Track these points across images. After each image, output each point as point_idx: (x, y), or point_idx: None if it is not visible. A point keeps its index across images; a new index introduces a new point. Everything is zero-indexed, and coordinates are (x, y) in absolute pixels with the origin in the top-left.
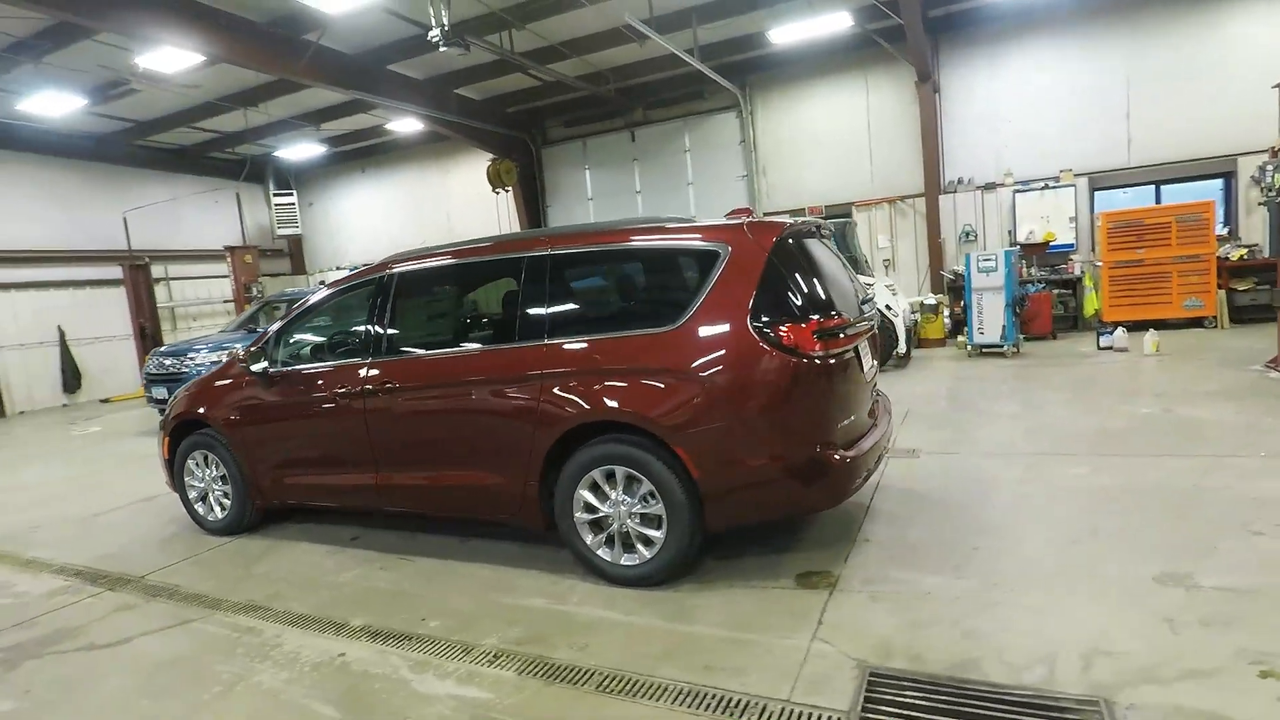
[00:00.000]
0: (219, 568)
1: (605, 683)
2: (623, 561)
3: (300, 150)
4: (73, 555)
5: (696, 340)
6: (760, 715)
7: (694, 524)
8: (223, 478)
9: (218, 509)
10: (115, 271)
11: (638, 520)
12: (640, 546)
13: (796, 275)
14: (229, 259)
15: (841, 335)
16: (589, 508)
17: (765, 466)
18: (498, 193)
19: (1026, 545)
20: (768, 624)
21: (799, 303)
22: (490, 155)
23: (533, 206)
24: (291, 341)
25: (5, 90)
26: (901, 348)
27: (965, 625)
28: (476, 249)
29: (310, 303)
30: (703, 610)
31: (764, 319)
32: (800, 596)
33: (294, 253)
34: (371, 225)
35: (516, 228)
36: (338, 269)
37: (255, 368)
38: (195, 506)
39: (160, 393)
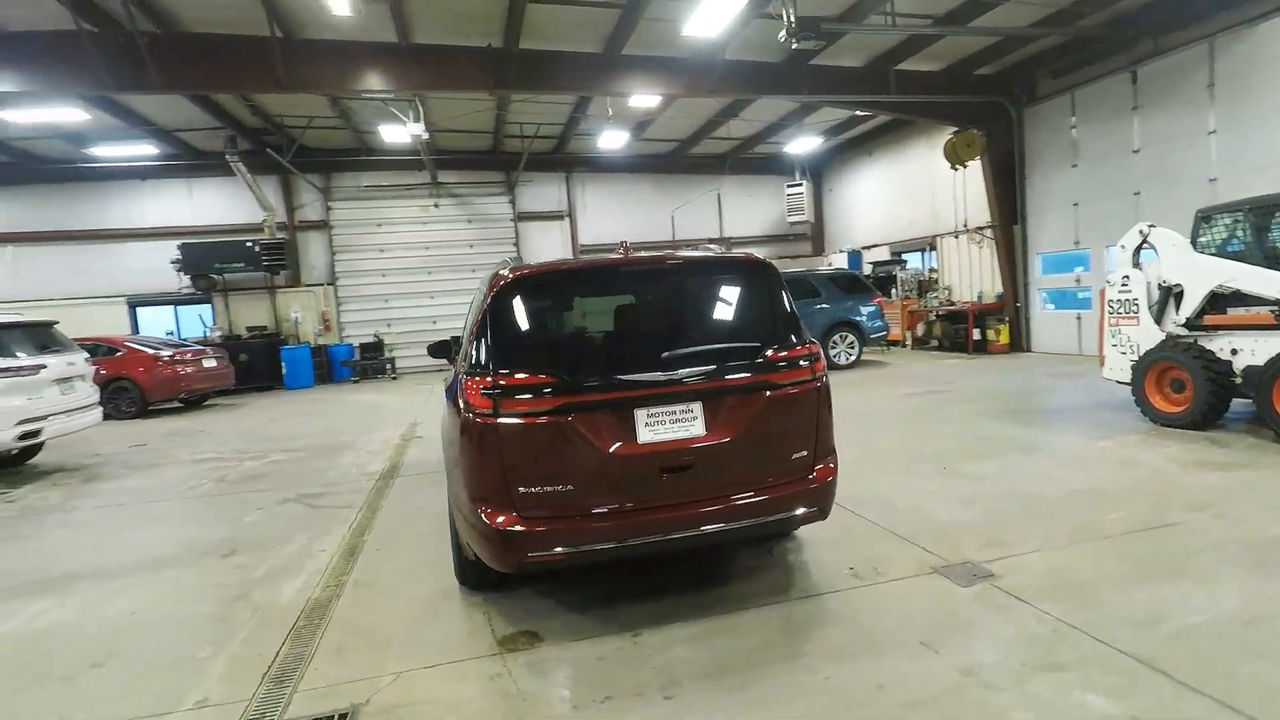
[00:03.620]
0: (405, 487)
1: (299, 632)
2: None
3: (801, 144)
4: (399, 461)
5: (456, 379)
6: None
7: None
8: None
9: None
10: None
11: None
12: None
13: (503, 327)
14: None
15: (544, 394)
16: None
17: (463, 511)
18: (956, 169)
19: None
20: (416, 649)
21: (486, 356)
22: (952, 129)
23: (1005, 180)
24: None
25: (589, 134)
26: None
27: None
28: None
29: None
30: (428, 621)
31: (466, 367)
32: (474, 643)
33: (815, 236)
34: (869, 208)
35: (983, 208)
36: (839, 252)
37: None
38: None
39: None
